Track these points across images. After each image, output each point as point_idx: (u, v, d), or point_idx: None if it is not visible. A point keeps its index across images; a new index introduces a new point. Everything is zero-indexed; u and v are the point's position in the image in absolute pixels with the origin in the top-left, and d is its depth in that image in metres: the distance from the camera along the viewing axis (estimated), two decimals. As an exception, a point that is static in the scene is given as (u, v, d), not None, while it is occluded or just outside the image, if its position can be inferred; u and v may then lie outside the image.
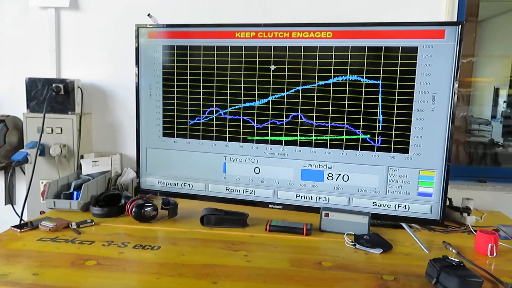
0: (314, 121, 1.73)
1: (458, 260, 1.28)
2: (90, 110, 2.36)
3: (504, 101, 2.99)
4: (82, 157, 2.19)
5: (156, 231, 1.70)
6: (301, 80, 1.72)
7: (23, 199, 2.00)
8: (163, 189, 1.95)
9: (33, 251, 1.45)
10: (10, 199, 2.39)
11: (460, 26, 1.54)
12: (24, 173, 2.32)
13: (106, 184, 2.10)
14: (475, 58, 2.56)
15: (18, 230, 1.62)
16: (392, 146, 1.66)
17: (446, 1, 2.06)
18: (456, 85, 1.55)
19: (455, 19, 2.09)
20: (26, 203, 2.00)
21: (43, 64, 2.34)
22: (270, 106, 1.77)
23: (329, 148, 1.72)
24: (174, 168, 1.92)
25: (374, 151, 1.68)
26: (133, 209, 1.75)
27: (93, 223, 1.73)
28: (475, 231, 1.59)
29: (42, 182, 2.17)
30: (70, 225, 1.67)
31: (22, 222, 1.83)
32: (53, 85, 2.14)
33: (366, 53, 1.64)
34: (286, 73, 1.73)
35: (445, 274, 1.21)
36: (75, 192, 1.93)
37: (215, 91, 1.82)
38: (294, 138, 1.76)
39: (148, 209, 1.75)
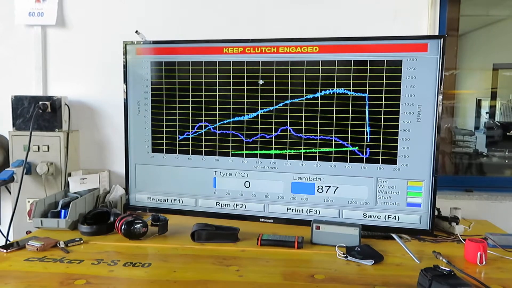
0: (303, 134, 1.74)
1: (448, 269, 1.30)
2: (78, 127, 2.34)
3: (487, 112, 3.06)
4: (69, 174, 2.17)
5: (146, 248, 1.67)
6: (289, 94, 1.74)
7: (9, 218, 1.96)
8: (152, 205, 1.93)
9: (20, 272, 1.42)
10: (-5, 219, 2.34)
11: (442, 39, 1.58)
12: (10, 192, 2.28)
13: (94, 201, 2.08)
14: (457, 71, 2.63)
15: (4, 251, 1.58)
16: (380, 157, 1.68)
17: (428, 16, 2.12)
18: (441, 97, 1.59)
19: (436, 33, 2.15)
20: (12, 223, 1.96)
21: (29, 81, 2.32)
22: (259, 120, 1.78)
23: (319, 160, 1.74)
24: (163, 184, 1.91)
25: (363, 162, 1.70)
26: (123, 226, 1.72)
27: (82, 241, 1.70)
28: (464, 240, 1.61)
29: (29, 201, 2.13)
30: (58, 244, 1.64)
31: (8, 242, 1.79)
32: (40, 102, 2.12)
33: (352, 67, 1.67)
34: (274, 87, 1.75)
35: (437, 284, 1.22)
36: (62, 211, 1.90)
37: (204, 106, 1.83)
38: (283, 152, 1.77)
39: (138, 226, 1.73)
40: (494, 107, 3.06)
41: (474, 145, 2.99)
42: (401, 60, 1.62)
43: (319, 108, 1.71)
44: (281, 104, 1.75)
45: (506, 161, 2.95)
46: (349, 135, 1.70)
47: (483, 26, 3.12)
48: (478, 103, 3.08)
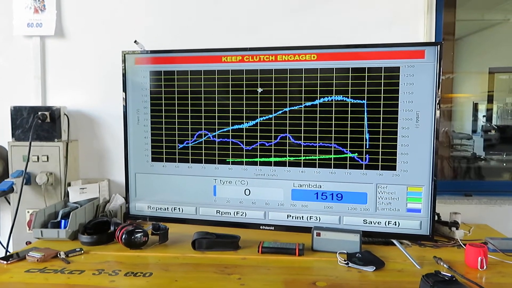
0: (302, 141, 1.75)
1: (450, 275, 1.30)
2: (77, 137, 2.35)
3: (483, 116, 3.08)
4: (69, 184, 2.17)
5: (147, 258, 1.67)
6: (288, 102, 1.75)
7: (9, 229, 1.96)
8: (152, 214, 1.93)
9: (21, 283, 1.41)
10: (-6, 230, 2.33)
11: (439, 46, 1.59)
12: (9, 203, 2.27)
13: (94, 211, 2.07)
14: (453, 74, 2.65)
15: (5, 262, 1.58)
16: (380, 163, 1.68)
17: (424, 21, 2.14)
18: (438, 103, 1.60)
19: (433, 39, 2.17)
20: (12, 234, 1.95)
21: (28, 92, 2.33)
22: (259, 127, 1.78)
23: (318, 167, 1.74)
24: (163, 193, 1.91)
25: (362, 169, 1.71)
26: (123, 236, 1.72)
27: (82, 251, 1.69)
28: (464, 245, 1.61)
29: (28, 212, 2.13)
30: (58, 255, 1.64)
31: (8, 253, 1.79)
32: (39, 113, 2.13)
33: (350, 74, 1.68)
34: (273, 95, 1.76)
35: (439, 289, 1.22)
36: (62, 221, 1.90)
37: (203, 114, 1.84)
38: (283, 159, 1.78)
39: (139, 235, 1.73)
40: (491, 110, 3.08)
41: (472, 149, 3.00)
42: (399, 67, 1.63)
43: (318, 115, 1.72)
44: (280, 112, 1.76)
45: (504, 164, 2.97)
46: (348, 142, 1.70)
47: (479, 31, 3.15)
48: (475, 107, 3.10)
